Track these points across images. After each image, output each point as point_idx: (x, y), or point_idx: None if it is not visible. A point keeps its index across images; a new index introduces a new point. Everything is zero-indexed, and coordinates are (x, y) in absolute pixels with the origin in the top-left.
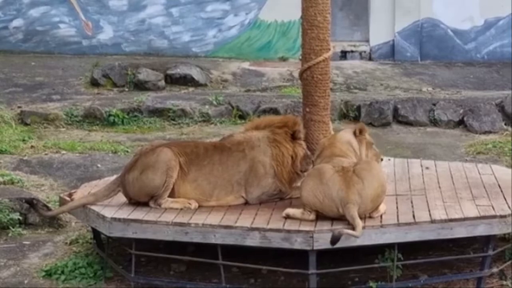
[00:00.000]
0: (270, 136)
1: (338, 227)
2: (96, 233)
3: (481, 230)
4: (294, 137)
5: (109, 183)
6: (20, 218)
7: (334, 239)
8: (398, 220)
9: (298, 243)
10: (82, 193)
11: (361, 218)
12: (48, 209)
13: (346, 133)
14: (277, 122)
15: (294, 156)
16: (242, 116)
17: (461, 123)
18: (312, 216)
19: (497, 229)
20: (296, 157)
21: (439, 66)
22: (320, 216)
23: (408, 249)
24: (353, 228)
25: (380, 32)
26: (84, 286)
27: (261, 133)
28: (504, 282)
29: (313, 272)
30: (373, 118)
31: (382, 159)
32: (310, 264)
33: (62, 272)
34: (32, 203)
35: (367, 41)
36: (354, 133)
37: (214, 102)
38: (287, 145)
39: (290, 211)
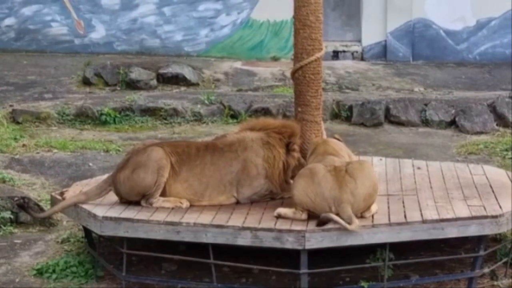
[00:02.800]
0: (264, 138)
1: (330, 227)
2: (87, 232)
3: (472, 230)
4: (287, 148)
5: (101, 182)
6: (12, 216)
7: (321, 222)
8: (389, 220)
9: (289, 243)
10: (73, 192)
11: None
12: (40, 208)
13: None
14: (274, 128)
15: (285, 163)
16: (234, 116)
17: (452, 124)
18: (304, 216)
19: (489, 230)
20: (288, 166)
21: (431, 66)
22: (312, 216)
23: (400, 249)
24: (343, 229)
25: (372, 32)
26: (75, 285)
27: (255, 134)
28: (495, 283)
29: (304, 272)
30: (365, 118)
31: None
32: (302, 263)
33: (54, 271)
34: (23, 206)
35: (359, 41)
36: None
37: (206, 102)
38: (280, 150)
39: (282, 210)
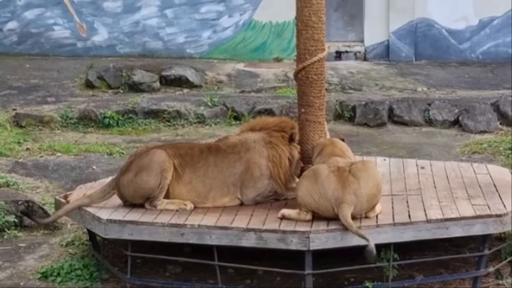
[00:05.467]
0: (266, 138)
1: (334, 227)
2: (91, 234)
3: (477, 229)
4: (291, 139)
5: (104, 186)
6: (16, 220)
7: (371, 256)
8: (393, 220)
9: (294, 244)
10: (77, 195)
11: (357, 218)
12: (44, 211)
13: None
14: (273, 126)
15: (291, 158)
16: (237, 117)
17: (456, 123)
18: (308, 216)
19: (493, 229)
20: (293, 159)
21: (434, 66)
22: (316, 216)
23: (404, 249)
24: (346, 229)
25: (374, 32)
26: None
27: (257, 135)
28: (500, 282)
29: (309, 273)
30: (368, 118)
31: None
32: (306, 264)
33: (58, 274)
34: (28, 213)
35: (362, 41)
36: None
37: (209, 103)
38: (284, 148)
39: (286, 212)
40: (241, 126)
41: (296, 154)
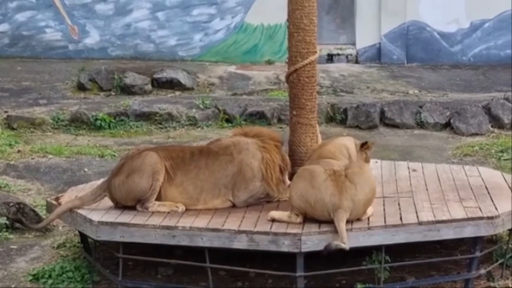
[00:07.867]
0: (259, 143)
1: (326, 229)
2: (83, 237)
3: (468, 231)
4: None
5: (95, 188)
6: (7, 222)
7: (328, 251)
8: (385, 222)
9: (285, 246)
10: (69, 197)
11: (349, 221)
12: (35, 213)
13: (346, 139)
14: (267, 135)
15: (285, 164)
16: (229, 120)
17: (447, 126)
18: (299, 219)
19: (484, 231)
20: (287, 166)
21: (425, 68)
22: (308, 219)
23: (396, 251)
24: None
25: (366, 35)
26: None
27: (250, 139)
28: (492, 284)
29: (300, 275)
30: (360, 121)
31: None
32: (298, 266)
33: (50, 276)
34: (20, 220)
35: (354, 44)
36: (361, 146)
37: (201, 106)
38: (277, 155)
39: (276, 214)
40: (234, 130)
41: (288, 162)
